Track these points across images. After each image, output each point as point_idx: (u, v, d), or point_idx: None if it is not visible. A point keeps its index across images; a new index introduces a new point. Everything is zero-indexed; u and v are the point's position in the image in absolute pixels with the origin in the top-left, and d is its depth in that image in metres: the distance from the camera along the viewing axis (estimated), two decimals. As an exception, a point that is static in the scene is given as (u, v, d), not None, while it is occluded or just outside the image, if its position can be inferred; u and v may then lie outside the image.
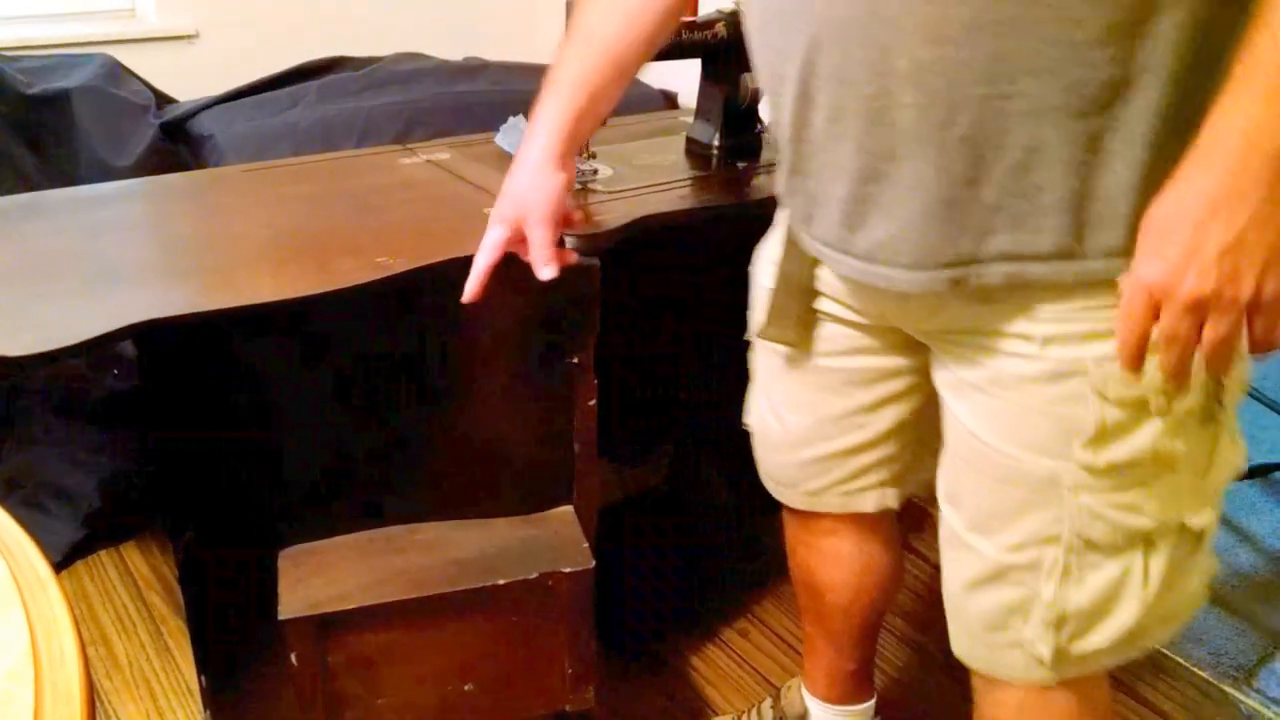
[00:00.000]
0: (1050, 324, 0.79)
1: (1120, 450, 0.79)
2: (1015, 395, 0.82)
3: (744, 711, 1.38)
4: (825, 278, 0.96)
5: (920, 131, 0.74)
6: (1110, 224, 0.73)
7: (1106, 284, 0.75)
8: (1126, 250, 0.72)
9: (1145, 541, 0.83)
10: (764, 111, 1.45)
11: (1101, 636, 0.87)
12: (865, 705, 1.30)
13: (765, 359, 1.10)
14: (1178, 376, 0.70)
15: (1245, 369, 0.79)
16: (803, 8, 0.77)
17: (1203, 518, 0.83)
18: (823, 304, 0.98)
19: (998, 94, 0.70)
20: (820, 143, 0.81)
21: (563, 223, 1.01)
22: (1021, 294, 0.79)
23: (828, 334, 0.99)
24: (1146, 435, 0.78)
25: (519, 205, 0.99)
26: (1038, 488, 0.83)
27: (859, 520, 1.11)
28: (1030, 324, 0.79)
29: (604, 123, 1.08)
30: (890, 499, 1.08)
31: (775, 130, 0.88)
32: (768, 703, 1.36)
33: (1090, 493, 0.81)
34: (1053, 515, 0.84)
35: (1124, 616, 0.86)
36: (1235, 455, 0.84)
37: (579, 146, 1.10)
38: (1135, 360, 0.71)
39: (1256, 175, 0.62)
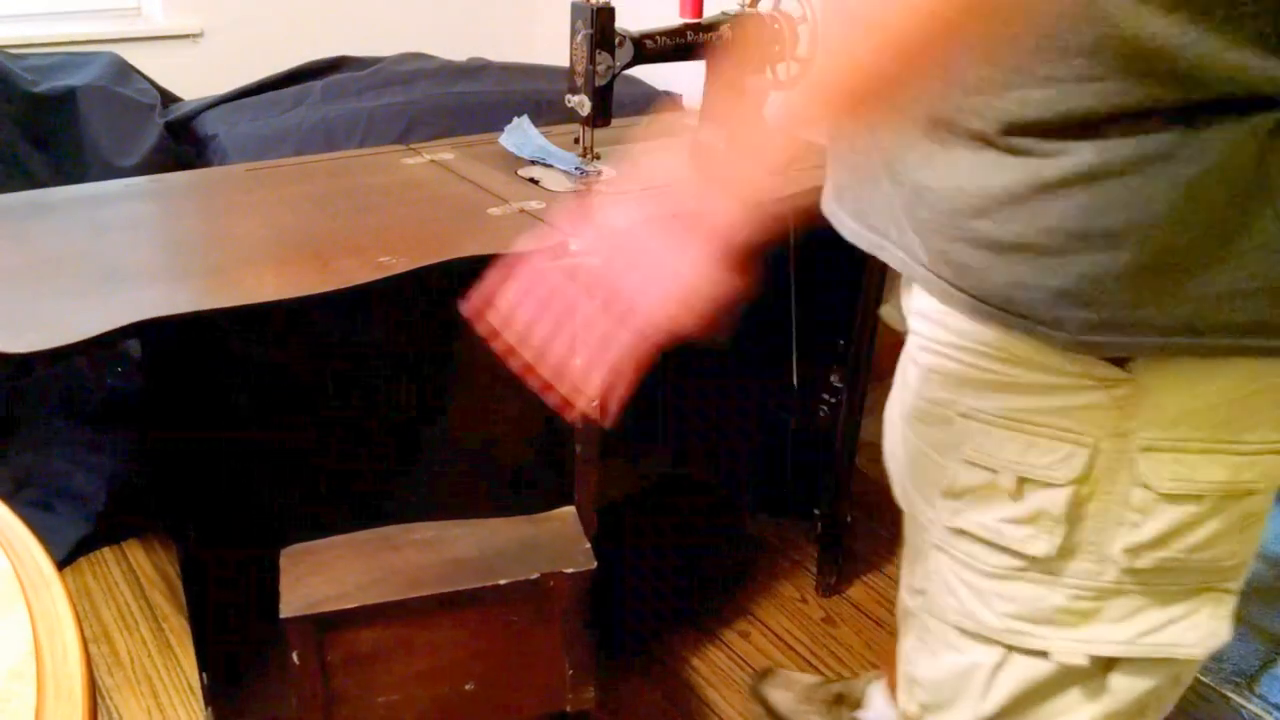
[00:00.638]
0: (928, 353, 0.75)
1: (972, 520, 0.74)
2: (915, 426, 0.80)
3: (818, 684, 1.38)
4: None
5: None
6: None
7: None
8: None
9: (1003, 645, 0.75)
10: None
11: None
12: None
13: None
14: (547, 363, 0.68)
15: (1175, 545, 0.69)
16: None
17: (1067, 652, 0.72)
18: None
19: None
20: None
21: None
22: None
23: None
24: (998, 515, 0.72)
25: None
26: (920, 533, 0.80)
27: None
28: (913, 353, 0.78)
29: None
30: None
31: None
32: (838, 684, 1.37)
33: (949, 558, 0.77)
34: (925, 570, 0.80)
35: (960, 718, 0.79)
36: (1188, 635, 0.72)
37: None
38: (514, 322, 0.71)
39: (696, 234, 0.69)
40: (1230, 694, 1.53)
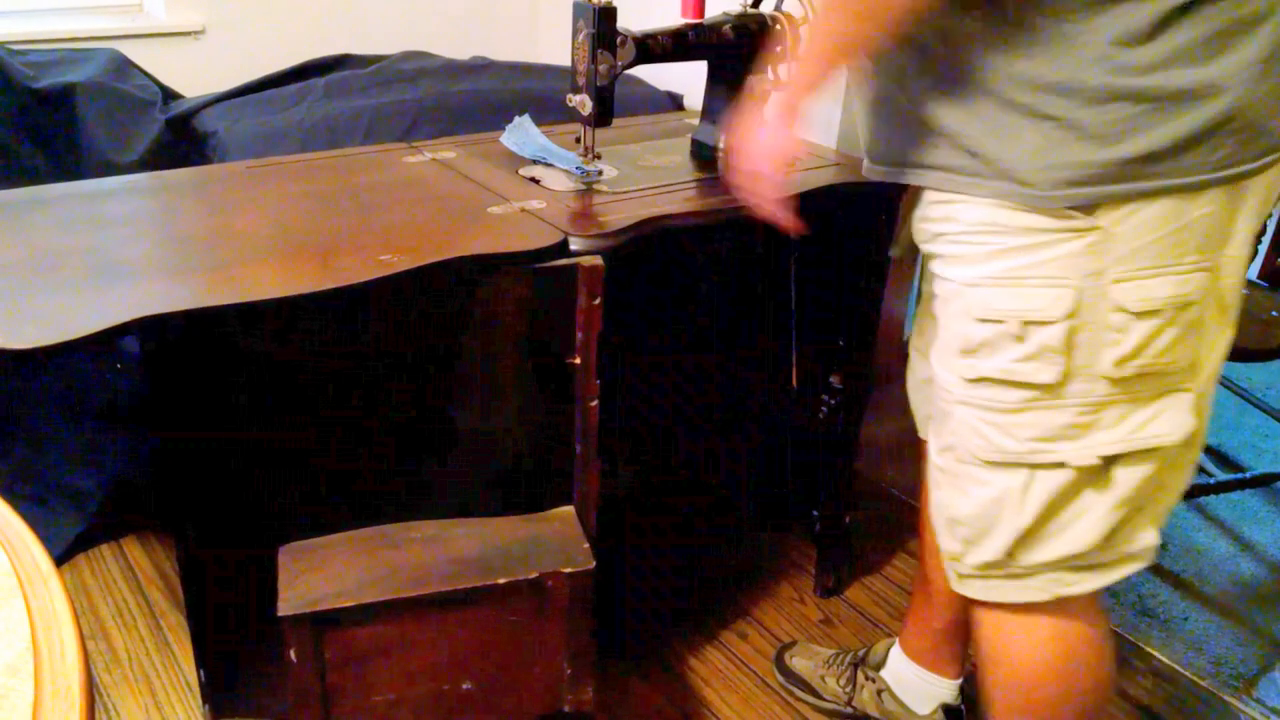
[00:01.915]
0: (942, 244, 0.95)
1: (987, 367, 0.91)
2: (936, 308, 0.98)
3: (838, 654, 1.47)
4: None
5: None
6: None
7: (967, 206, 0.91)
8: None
9: (1024, 467, 0.92)
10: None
11: (985, 552, 0.97)
12: (947, 681, 1.33)
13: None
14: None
15: (1147, 353, 0.87)
16: None
17: (1079, 458, 0.90)
18: None
19: None
20: None
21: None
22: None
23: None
24: (1009, 356, 0.89)
25: None
26: (944, 396, 0.97)
27: None
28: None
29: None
30: None
31: None
32: (859, 651, 1.45)
33: (970, 408, 0.94)
34: (951, 424, 0.97)
35: (1002, 537, 0.95)
36: (1165, 428, 0.90)
37: None
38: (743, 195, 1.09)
39: (769, 116, 1.03)
40: (1228, 697, 1.53)
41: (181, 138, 1.71)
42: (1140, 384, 0.88)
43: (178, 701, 1.42)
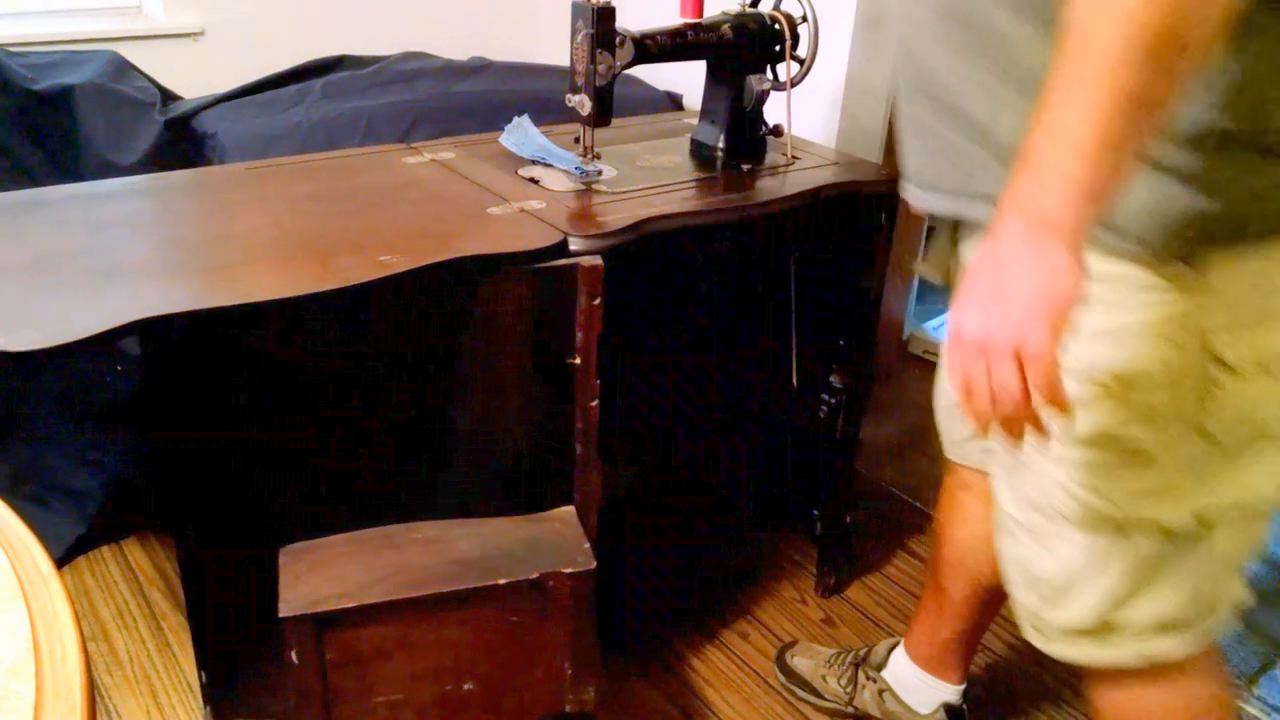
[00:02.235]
0: None
1: (1079, 426, 0.83)
2: None
3: (839, 654, 1.45)
4: None
5: None
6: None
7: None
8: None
9: (1115, 528, 0.86)
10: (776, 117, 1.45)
11: (1069, 614, 0.91)
12: (949, 686, 1.32)
13: None
14: (1001, 420, 0.70)
15: (1245, 408, 0.81)
16: None
17: (1175, 518, 0.84)
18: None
19: None
20: None
21: None
22: None
23: None
24: (1105, 416, 0.81)
25: None
26: (1025, 449, 0.87)
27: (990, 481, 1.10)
28: None
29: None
30: None
31: None
32: (859, 650, 1.44)
33: (1057, 465, 0.86)
34: (1033, 478, 0.89)
35: (1087, 600, 0.89)
36: (1258, 482, 0.84)
37: None
38: (964, 397, 0.72)
39: (1013, 236, 0.67)
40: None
41: (180, 139, 1.71)
42: (1241, 442, 0.82)
43: (179, 703, 1.42)
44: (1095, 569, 0.88)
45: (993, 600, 1.23)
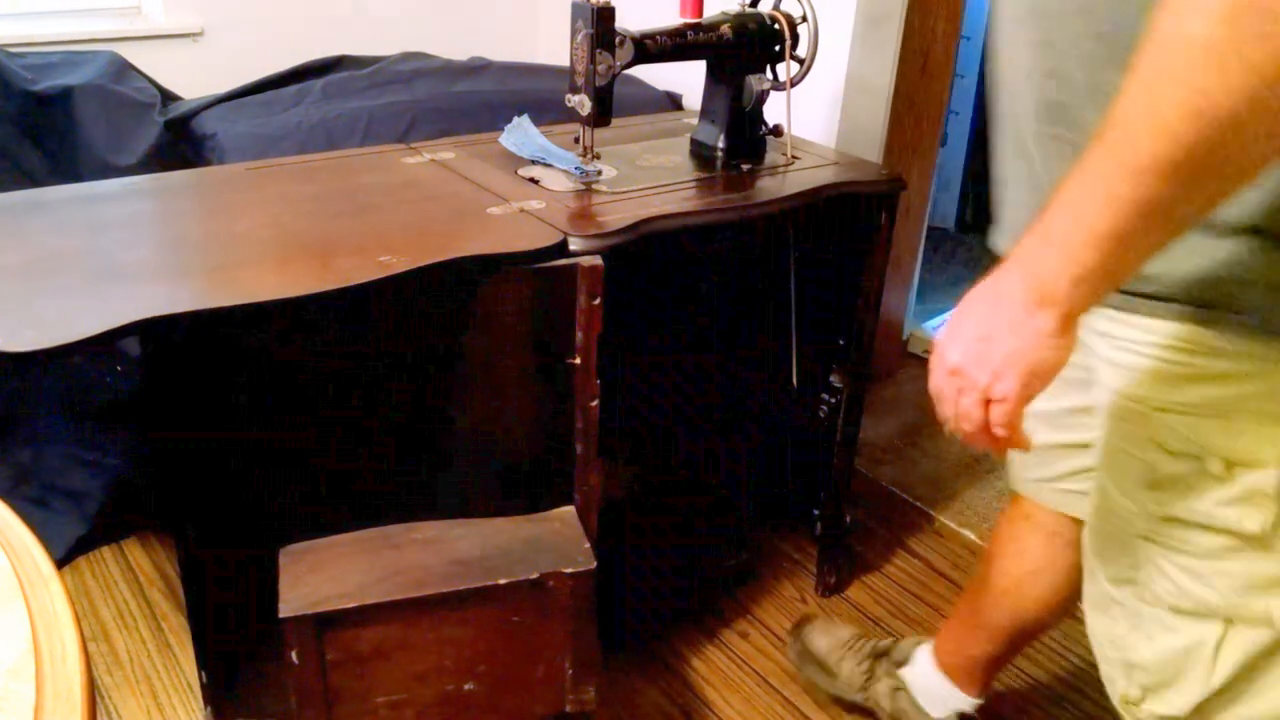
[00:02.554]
0: (1119, 351, 0.78)
1: (1180, 507, 0.77)
2: (1108, 424, 0.83)
3: (858, 638, 1.42)
4: None
5: None
6: None
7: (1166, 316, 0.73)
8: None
9: (1223, 619, 0.80)
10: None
11: (1168, 706, 0.85)
12: (968, 698, 1.30)
13: None
14: (963, 432, 0.72)
15: None
16: None
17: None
18: None
19: None
20: None
21: None
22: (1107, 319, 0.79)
23: None
24: (1209, 499, 0.75)
25: None
26: (1122, 525, 0.83)
27: (1059, 522, 1.08)
28: (1110, 350, 0.79)
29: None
30: None
31: None
32: (881, 641, 1.41)
33: (1158, 546, 0.80)
34: (1133, 557, 0.83)
35: (1188, 693, 0.83)
36: None
37: None
38: (935, 400, 0.73)
39: (1012, 288, 0.66)
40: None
41: (180, 140, 1.72)
42: None
43: (179, 703, 1.42)
44: (1198, 662, 0.81)
45: (1032, 634, 1.22)
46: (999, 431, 0.69)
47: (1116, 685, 0.91)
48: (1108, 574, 0.88)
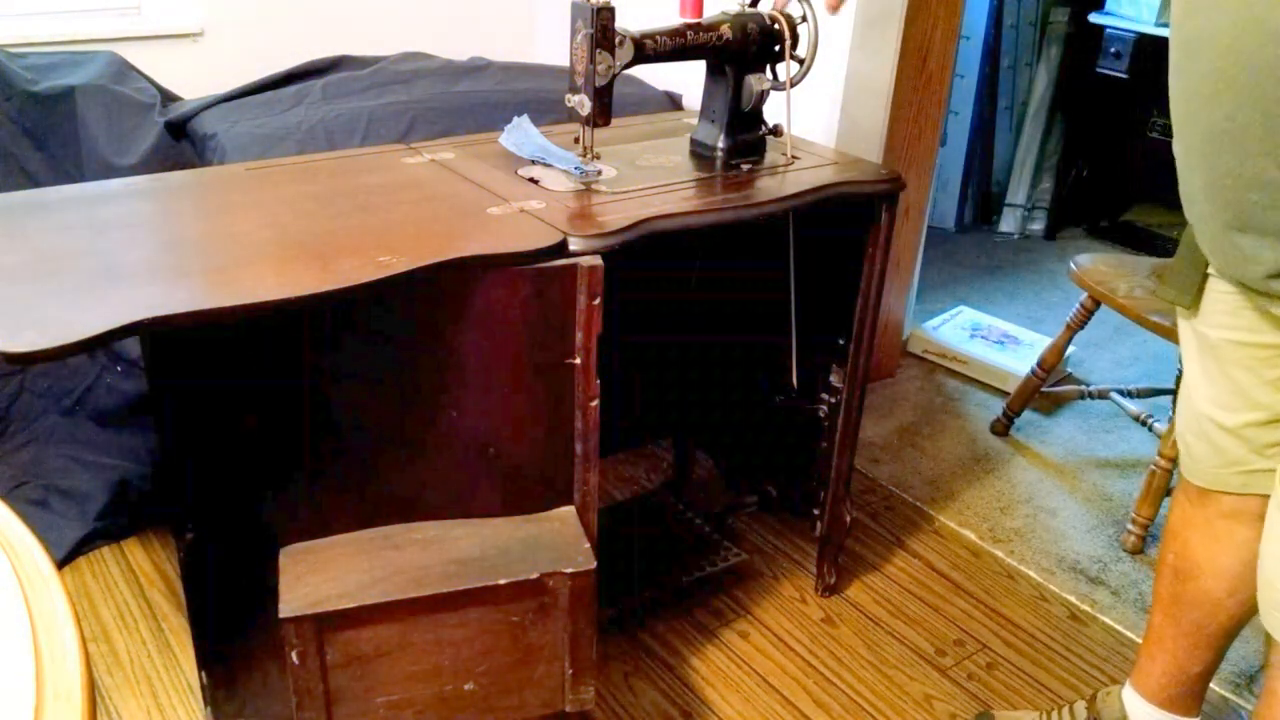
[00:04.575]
0: None
1: None
2: None
3: (1052, 709, 1.37)
4: None
5: None
6: None
7: None
8: None
9: None
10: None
11: None
12: None
13: (1186, 328, 1.09)
14: None
15: None
16: None
17: None
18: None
19: None
20: None
21: None
22: None
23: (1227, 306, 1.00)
24: None
25: None
26: None
27: (1261, 505, 1.07)
28: None
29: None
30: None
31: None
32: (1080, 704, 1.35)
33: None
34: None
35: None
36: None
37: None
38: None
39: None
40: (1229, 694, 1.53)
41: (180, 140, 1.72)
42: None
43: (179, 703, 1.42)
44: None
45: (1241, 623, 1.20)
46: None
47: None
48: None
